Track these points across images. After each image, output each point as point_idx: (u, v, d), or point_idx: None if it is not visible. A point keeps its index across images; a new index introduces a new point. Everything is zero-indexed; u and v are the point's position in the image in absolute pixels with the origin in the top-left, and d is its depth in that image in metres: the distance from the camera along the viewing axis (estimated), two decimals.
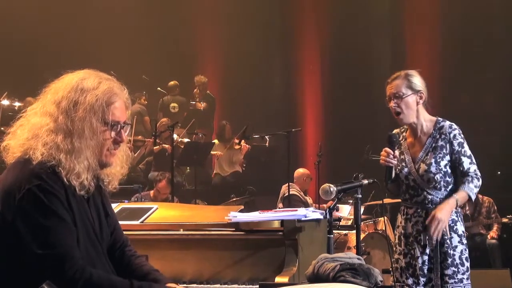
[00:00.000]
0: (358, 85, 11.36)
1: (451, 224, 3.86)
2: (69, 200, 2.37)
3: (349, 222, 7.76)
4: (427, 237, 3.83)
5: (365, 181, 3.68)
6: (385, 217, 7.48)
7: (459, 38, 10.90)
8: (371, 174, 3.80)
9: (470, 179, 3.81)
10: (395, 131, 4.08)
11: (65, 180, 2.36)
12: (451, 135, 3.85)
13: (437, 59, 10.53)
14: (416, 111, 3.89)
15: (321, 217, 3.74)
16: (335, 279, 2.50)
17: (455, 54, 10.62)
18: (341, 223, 7.56)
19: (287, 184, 8.31)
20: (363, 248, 6.50)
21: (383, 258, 7.04)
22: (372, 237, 7.20)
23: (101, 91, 2.44)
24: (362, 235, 6.84)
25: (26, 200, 2.30)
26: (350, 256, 2.65)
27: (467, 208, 8.84)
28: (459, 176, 3.86)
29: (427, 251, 3.85)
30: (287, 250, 3.46)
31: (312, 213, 3.67)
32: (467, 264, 3.86)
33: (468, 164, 3.83)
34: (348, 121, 11.23)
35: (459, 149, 3.84)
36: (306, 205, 8.29)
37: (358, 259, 2.64)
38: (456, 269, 3.82)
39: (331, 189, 3.48)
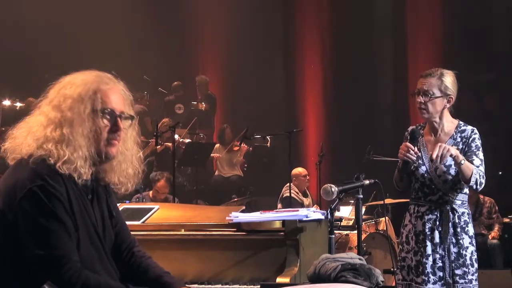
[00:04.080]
0: (359, 85, 11.35)
1: (463, 225, 3.89)
2: (70, 200, 2.36)
3: (350, 223, 7.76)
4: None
5: (367, 181, 3.67)
6: (387, 218, 7.48)
7: (461, 37, 10.89)
8: (373, 175, 3.79)
9: (478, 169, 3.79)
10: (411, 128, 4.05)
11: (62, 172, 2.34)
12: (471, 139, 3.88)
13: (439, 58, 10.51)
14: (440, 113, 3.91)
15: (322, 217, 3.74)
16: (336, 279, 2.50)
17: (457, 53, 10.60)
18: (342, 224, 7.56)
19: (287, 185, 8.33)
20: (364, 249, 6.50)
21: (384, 258, 7.04)
22: (373, 237, 7.19)
23: (90, 81, 2.45)
24: (363, 236, 6.83)
25: (28, 200, 2.29)
26: (351, 256, 2.65)
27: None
28: None
29: (439, 249, 3.86)
30: (288, 250, 3.46)
31: (314, 214, 3.67)
32: (476, 265, 3.89)
33: (479, 164, 3.83)
34: (349, 121, 11.23)
35: (475, 150, 3.87)
36: (302, 206, 8.28)
37: (359, 259, 2.64)
38: (466, 270, 3.85)
39: (333, 189, 3.48)
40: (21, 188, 2.30)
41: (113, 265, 2.52)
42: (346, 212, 8.09)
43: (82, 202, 2.42)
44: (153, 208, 3.93)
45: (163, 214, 3.90)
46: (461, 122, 3.98)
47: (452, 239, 3.86)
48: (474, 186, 3.78)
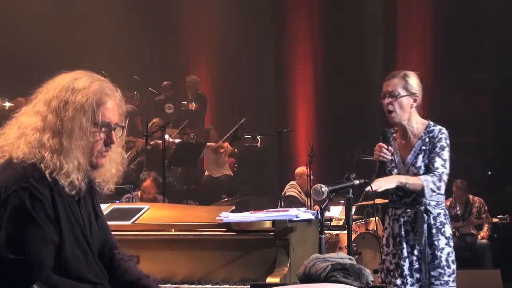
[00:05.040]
0: (350, 86, 11.36)
1: (439, 226, 3.89)
2: (55, 203, 2.34)
3: (341, 223, 7.77)
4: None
5: (357, 182, 3.67)
6: (377, 218, 7.47)
7: (451, 38, 10.93)
8: (363, 175, 3.80)
9: (432, 175, 3.80)
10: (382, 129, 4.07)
11: (49, 179, 2.32)
12: (437, 139, 3.87)
13: (429, 59, 10.55)
14: (408, 113, 3.91)
15: (313, 217, 3.75)
16: (326, 279, 2.50)
17: (447, 54, 10.64)
18: (332, 224, 7.57)
19: (290, 183, 8.32)
20: (355, 248, 6.51)
21: (374, 258, 7.05)
22: (364, 237, 7.20)
23: (91, 91, 2.41)
24: (354, 236, 6.85)
25: (10, 202, 2.28)
26: (342, 256, 2.66)
27: (458, 208, 8.88)
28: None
29: (415, 251, 3.87)
30: (278, 250, 3.47)
31: (304, 214, 3.67)
32: (453, 266, 3.87)
33: (439, 165, 3.82)
34: (340, 121, 11.24)
35: (438, 151, 3.85)
36: (304, 206, 8.26)
37: (350, 259, 2.64)
38: (442, 271, 3.84)
39: (323, 189, 3.48)
40: (6, 189, 2.29)
41: (100, 267, 2.51)
42: (336, 212, 8.11)
43: (69, 204, 2.41)
44: (143, 208, 3.93)
45: (153, 214, 3.89)
46: (431, 123, 3.97)
47: (427, 241, 3.86)
48: (433, 194, 3.80)
